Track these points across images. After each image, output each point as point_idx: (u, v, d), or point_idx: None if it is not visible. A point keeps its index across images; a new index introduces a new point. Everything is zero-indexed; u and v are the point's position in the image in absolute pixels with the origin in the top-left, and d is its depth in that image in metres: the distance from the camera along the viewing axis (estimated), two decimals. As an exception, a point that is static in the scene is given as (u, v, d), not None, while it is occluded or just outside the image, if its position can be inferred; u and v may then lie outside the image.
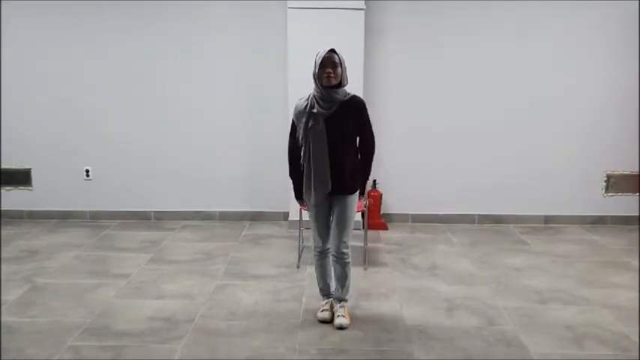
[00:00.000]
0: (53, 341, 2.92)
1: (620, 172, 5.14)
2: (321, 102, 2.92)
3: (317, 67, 2.89)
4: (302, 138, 2.98)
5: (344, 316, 3.13)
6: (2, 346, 2.87)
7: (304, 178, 3.04)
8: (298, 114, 3.01)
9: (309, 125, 2.92)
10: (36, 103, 5.14)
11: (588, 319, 3.21)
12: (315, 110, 2.92)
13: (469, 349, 2.87)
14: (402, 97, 5.07)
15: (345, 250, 3.12)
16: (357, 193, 3.12)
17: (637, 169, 5.12)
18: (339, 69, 2.89)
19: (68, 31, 5.01)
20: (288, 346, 2.88)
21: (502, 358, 2.80)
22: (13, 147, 5.19)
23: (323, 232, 3.14)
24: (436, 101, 5.05)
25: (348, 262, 3.17)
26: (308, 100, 2.97)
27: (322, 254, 3.20)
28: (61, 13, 4.98)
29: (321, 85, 2.90)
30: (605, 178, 5.17)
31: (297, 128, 3.02)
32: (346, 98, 2.96)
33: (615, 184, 5.16)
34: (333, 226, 3.10)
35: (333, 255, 3.16)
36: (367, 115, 3.03)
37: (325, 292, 3.28)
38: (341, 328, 3.07)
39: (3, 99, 5.11)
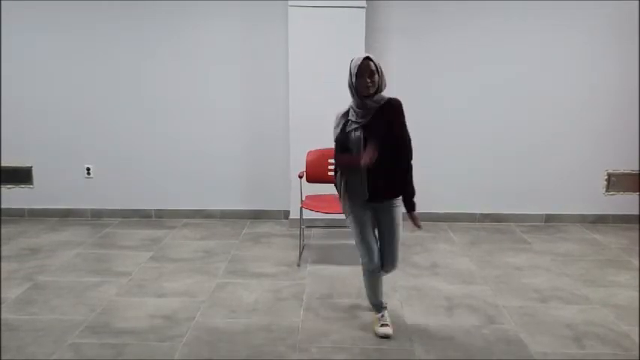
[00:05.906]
0: (54, 339, 2.93)
1: (621, 171, 5.14)
2: (357, 111, 2.81)
3: (353, 77, 2.74)
4: (339, 142, 2.86)
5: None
6: (2, 343, 2.88)
7: (341, 183, 2.92)
8: (338, 121, 2.89)
9: (347, 131, 2.82)
10: (37, 102, 5.13)
11: (589, 318, 3.22)
12: (352, 118, 2.83)
13: (469, 347, 2.88)
14: (402, 95, 4.92)
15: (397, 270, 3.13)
16: (401, 204, 2.94)
17: (637, 168, 5.11)
18: (377, 76, 2.76)
19: (68, 29, 5.00)
20: (288, 345, 2.89)
21: (502, 356, 2.80)
22: (14, 145, 5.19)
23: (369, 243, 2.97)
24: (437, 100, 5.04)
25: None
26: (348, 109, 2.87)
27: (372, 273, 3.02)
28: (60, 13, 4.97)
29: (358, 94, 2.77)
30: (606, 177, 5.16)
31: (334, 134, 2.89)
32: (382, 103, 2.81)
33: (616, 182, 5.15)
34: (383, 242, 2.99)
35: (385, 270, 3.05)
36: (403, 117, 2.83)
37: (377, 307, 3.13)
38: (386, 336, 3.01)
39: (4, 97, 5.12)
